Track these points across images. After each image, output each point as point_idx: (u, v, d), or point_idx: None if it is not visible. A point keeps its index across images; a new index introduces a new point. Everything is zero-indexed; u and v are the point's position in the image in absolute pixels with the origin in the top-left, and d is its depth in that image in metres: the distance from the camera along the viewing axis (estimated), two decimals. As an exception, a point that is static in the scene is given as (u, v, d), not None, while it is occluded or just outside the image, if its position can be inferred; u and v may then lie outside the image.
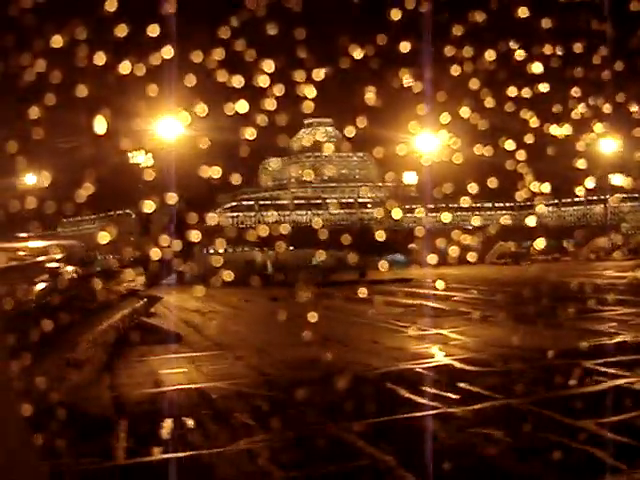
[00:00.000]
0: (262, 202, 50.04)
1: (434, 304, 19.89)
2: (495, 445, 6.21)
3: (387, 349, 11.66)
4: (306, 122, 64.78)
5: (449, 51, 23.00)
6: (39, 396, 7.49)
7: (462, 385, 8.60)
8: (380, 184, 61.80)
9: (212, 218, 46.78)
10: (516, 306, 17.34)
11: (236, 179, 40.51)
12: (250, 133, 32.35)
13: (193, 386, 9.29)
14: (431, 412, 7.38)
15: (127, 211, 45.87)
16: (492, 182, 36.18)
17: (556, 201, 55.36)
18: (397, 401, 7.99)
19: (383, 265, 40.88)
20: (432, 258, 37.47)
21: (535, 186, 36.20)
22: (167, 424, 7.23)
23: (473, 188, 41.49)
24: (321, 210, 49.44)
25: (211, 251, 43.98)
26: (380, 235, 41.70)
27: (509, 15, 21.98)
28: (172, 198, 32.33)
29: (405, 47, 23.29)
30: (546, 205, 53.80)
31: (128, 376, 10.21)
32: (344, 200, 53.76)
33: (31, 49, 18.13)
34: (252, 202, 49.93)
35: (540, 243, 42.56)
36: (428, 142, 44.11)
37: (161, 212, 36.09)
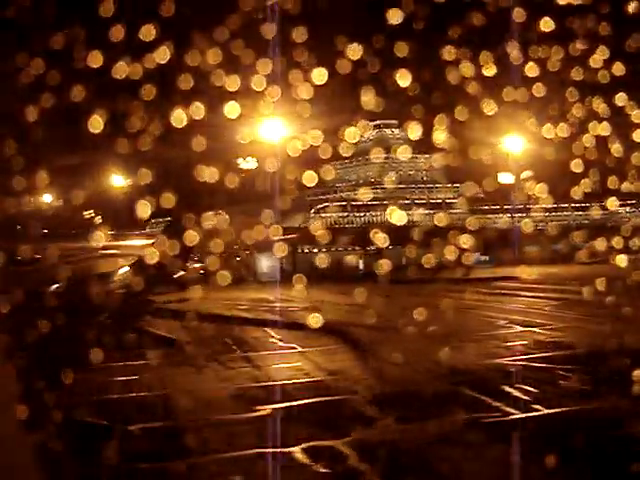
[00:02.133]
0: (353, 203, 51.51)
1: (573, 296, 20.74)
2: None
3: (594, 333, 12.85)
4: (372, 124, 65.36)
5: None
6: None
7: None
8: (449, 185, 62.46)
9: (306, 219, 48.42)
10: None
11: (313, 180, 41.23)
12: (314, 135, 33.34)
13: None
14: None
15: (219, 211, 47.32)
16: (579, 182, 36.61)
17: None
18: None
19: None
20: (519, 258, 38.33)
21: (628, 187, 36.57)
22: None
23: (556, 190, 42.19)
24: (409, 210, 50.51)
25: (306, 250, 45.51)
26: (468, 235, 42.50)
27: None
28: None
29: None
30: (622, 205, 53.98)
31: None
32: (430, 201, 54.83)
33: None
34: (345, 203, 51.42)
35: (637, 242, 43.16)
36: (516, 143, 45.09)
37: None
